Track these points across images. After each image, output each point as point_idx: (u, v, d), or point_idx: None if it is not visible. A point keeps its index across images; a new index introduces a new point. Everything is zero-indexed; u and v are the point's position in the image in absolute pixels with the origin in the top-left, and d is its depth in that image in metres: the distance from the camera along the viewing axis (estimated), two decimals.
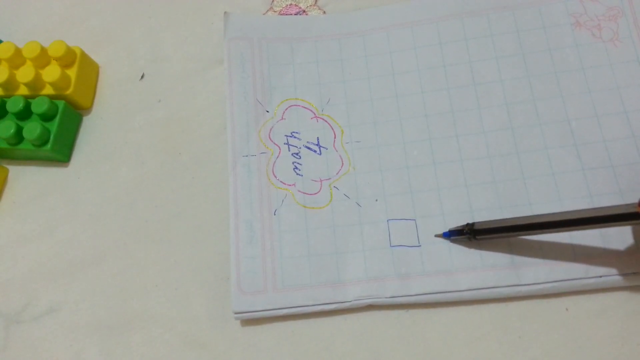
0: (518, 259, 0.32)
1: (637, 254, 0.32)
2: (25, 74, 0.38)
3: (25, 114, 0.38)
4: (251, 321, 0.34)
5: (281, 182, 0.36)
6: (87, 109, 0.42)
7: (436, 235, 0.34)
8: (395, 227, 0.34)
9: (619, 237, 0.32)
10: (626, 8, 0.37)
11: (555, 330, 0.32)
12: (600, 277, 0.32)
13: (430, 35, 0.39)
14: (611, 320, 0.31)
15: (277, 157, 0.37)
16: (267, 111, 0.38)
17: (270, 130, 0.38)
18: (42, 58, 0.39)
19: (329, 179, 0.36)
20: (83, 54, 0.41)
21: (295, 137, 0.37)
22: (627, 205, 0.28)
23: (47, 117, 0.38)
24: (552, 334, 0.32)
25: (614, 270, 0.31)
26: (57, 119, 0.38)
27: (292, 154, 0.37)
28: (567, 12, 0.38)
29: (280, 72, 0.39)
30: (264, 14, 0.42)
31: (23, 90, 0.39)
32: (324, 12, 0.41)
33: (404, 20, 0.39)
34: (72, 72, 0.40)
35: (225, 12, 0.40)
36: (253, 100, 0.38)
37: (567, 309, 0.32)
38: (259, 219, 0.35)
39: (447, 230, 0.34)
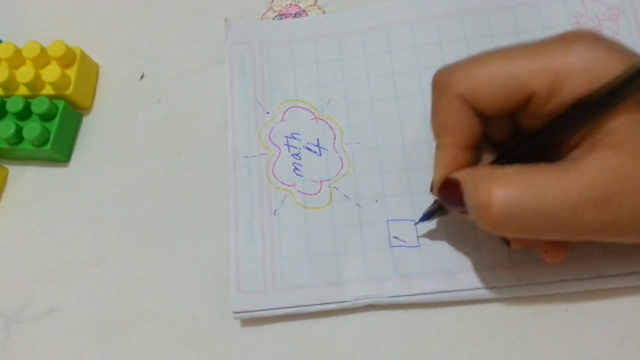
0: (518, 258, 0.32)
1: (637, 254, 0.32)
2: (25, 74, 0.38)
3: (25, 114, 0.38)
4: (251, 321, 0.34)
5: (281, 182, 0.36)
6: (87, 109, 0.42)
7: (416, 223, 0.34)
8: (394, 227, 0.34)
9: None
10: (627, 7, 0.37)
11: (555, 330, 0.32)
12: (601, 277, 0.31)
13: (430, 34, 0.38)
14: (611, 320, 0.31)
15: (277, 158, 0.37)
16: (268, 113, 0.38)
17: (271, 131, 0.38)
18: (42, 58, 0.39)
19: (329, 179, 0.36)
20: (83, 54, 0.41)
21: (295, 138, 0.37)
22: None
23: (47, 117, 0.38)
24: (552, 334, 0.32)
25: (614, 270, 0.31)
26: (57, 119, 0.38)
27: (292, 155, 0.37)
28: (567, 13, 0.37)
29: (280, 74, 0.39)
30: (263, 14, 0.42)
31: (23, 90, 0.39)
32: (324, 12, 0.41)
33: (404, 18, 0.39)
34: (72, 72, 0.40)
35: (226, 19, 0.40)
36: (253, 103, 0.38)
37: (567, 309, 0.32)
38: (259, 219, 0.35)
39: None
